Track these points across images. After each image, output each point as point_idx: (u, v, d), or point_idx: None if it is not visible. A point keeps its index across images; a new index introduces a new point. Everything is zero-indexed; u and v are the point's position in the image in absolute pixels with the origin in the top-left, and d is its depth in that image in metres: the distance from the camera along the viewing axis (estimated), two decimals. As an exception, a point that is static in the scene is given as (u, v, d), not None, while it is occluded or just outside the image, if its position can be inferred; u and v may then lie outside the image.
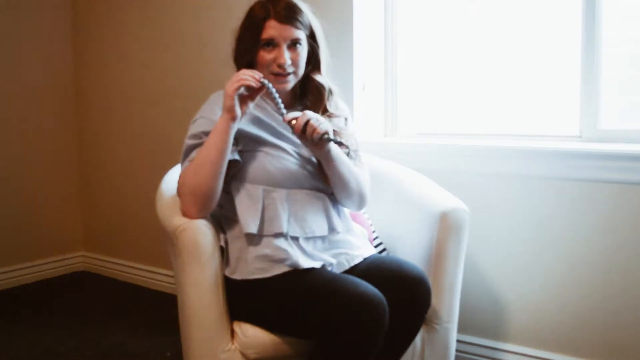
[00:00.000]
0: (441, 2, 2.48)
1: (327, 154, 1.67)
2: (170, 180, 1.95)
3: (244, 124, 1.70)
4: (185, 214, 1.65)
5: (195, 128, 1.71)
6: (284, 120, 1.65)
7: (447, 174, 2.21)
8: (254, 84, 1.59)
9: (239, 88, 1.58)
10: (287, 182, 1.69)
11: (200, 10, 2.93)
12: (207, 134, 1.67)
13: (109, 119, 3.43)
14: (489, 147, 2.23)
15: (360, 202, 1.80)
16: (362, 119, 2.50)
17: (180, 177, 1.67)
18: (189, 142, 1.70)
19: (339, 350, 1.50)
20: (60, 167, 3.53)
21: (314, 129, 1.61)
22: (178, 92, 3.05)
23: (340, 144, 1.64)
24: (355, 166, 1.77)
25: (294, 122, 1.62)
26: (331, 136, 1.63)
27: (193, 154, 1.67)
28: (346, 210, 1.83)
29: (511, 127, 2.34)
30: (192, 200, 1.63)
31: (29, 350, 2.53)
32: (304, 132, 1.62)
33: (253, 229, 1.64)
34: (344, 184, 1.73)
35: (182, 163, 1.70)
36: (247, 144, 1.70)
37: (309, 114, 1.63)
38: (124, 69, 3.32)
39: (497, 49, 2.37)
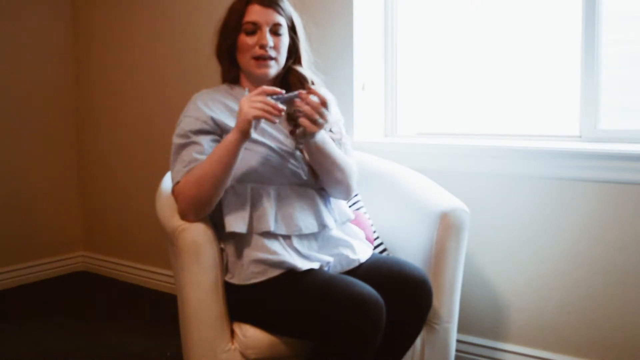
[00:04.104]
0: (441, 2, 2.48)
1: (309, 145, 1.66)
2: (170, 180, 1.95)
3: (228, 120, 1.71)
4: (182, 218, 1.65)
5: (181, 128, 1.71)
6: (306, 91, 1.60)
7: (447, 174, 2.21)
8: (276, 117, 1.54)
9: (259, 118, 1.54)
10: (274, 179, 1.69)
11: (202, 8, 2.93)
12: (194, 132, 1.68)
13: (108, 118, 3.43)
14: (489, 147, 2.23)
15: (347, 191, 1.79)
16: (362, 119, 2.50)
17: (179, 185, 1.64)
18: (177, 141, 1.70)
19: (337, 350, 1.50)
20: (60, 166, 3.53)
21: (308, 120, 1.58)
22: (179, 91, 3.05)
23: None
24: (344, 155, 1.76)
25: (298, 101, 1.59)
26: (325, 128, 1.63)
27: (184, 154, 1.66)
28: (341, 204, 1.82)
29: (511, 127, 2.34)
30: (192, 209, 1.63)
31: (29, 350, 2.53)
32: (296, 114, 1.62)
33: (242, 227, 1.64)
34: (329, 174, 1.72)
35: (173, 163, 1.69)
36: None
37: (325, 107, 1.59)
38: (124, 68, 3.32)
39: (497, 49, 2.37)
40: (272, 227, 1.64)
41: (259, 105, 1.53)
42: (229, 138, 1.59)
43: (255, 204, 1.66)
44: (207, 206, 1.63)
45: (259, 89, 1.57)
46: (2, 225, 3.28)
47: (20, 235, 3.36)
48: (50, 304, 3.08)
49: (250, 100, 1.55)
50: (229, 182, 1.63)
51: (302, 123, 1.59)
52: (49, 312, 2.95)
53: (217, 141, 1.69)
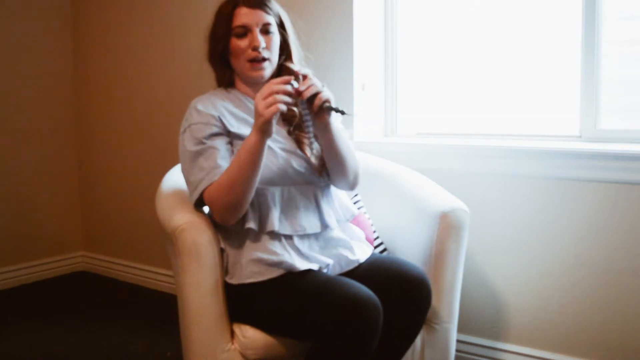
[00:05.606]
0: (441, 2, 2.48)
1: (327, 127, 1.63)
2: (170, 180, 1.95)
3: (232, 121, 1.70)
4: (223, 222, 1.65)
5: (192, 136, 1.68)
6: (297, 87, 1.57)
7: (447, 174, 2.21)
8: (290, 100, 1.52)
9: (276, 112, 1.51)
10: (278, 180, 1.68)
11: (204, 8, 2.93)
12: (207, 137, 1.66)
13: (108, 118, 3.43)
14: (489, 147, 2.23)
15: (354, 181, 1.79)
16: (362, 119, 2.50)
17: (211, 193, 1.61)
18: (192, 148, 1.67)
19: (334, 352, 1.50)
20: (60, 166, 3.53)
21: (318, 96, 1.56)
22: (179, 92, 3.06)
23: (341, 112, 1.58)
24: (351, 143, 1.76)
25: (303, 89, 1.57)
26: (333, 105, 1.58)
27: (202, 161, 1.64)
28: (345, 200, 1.81)
29: (511, 127, 2.34)
30: (230, 212, 1.61)
31: (29, 350, 2.53)
32: (310, 100, 1.58)
33: (253, 225, 1.64)
34: (341, 161, 1.71)
35: (190, 170, 1.66)
36: (237, 144, 1.70)
37: (314, 80, 1.59)
38: (124, 69, 3.32)
39: (497, 49, 2.37)
40: (276, 227, 1.64)
41: (271, 100, 1.51)
42: (252, 141, 1.55)
43: (260, 206, 1.66)
44: (244, 206, 1.62)
45: (266, 87, 1.53)
46: (2, 225, 3.28)
47: (21, 236, 3.36)
48: (50, 304, 3.08)
49: (263, 99, 1.52)
50: (257, 180, 1.61)
51: (320, 97, 1.56)
52: (49, 312, 2.95)
53: (229, 142, 1.69)
